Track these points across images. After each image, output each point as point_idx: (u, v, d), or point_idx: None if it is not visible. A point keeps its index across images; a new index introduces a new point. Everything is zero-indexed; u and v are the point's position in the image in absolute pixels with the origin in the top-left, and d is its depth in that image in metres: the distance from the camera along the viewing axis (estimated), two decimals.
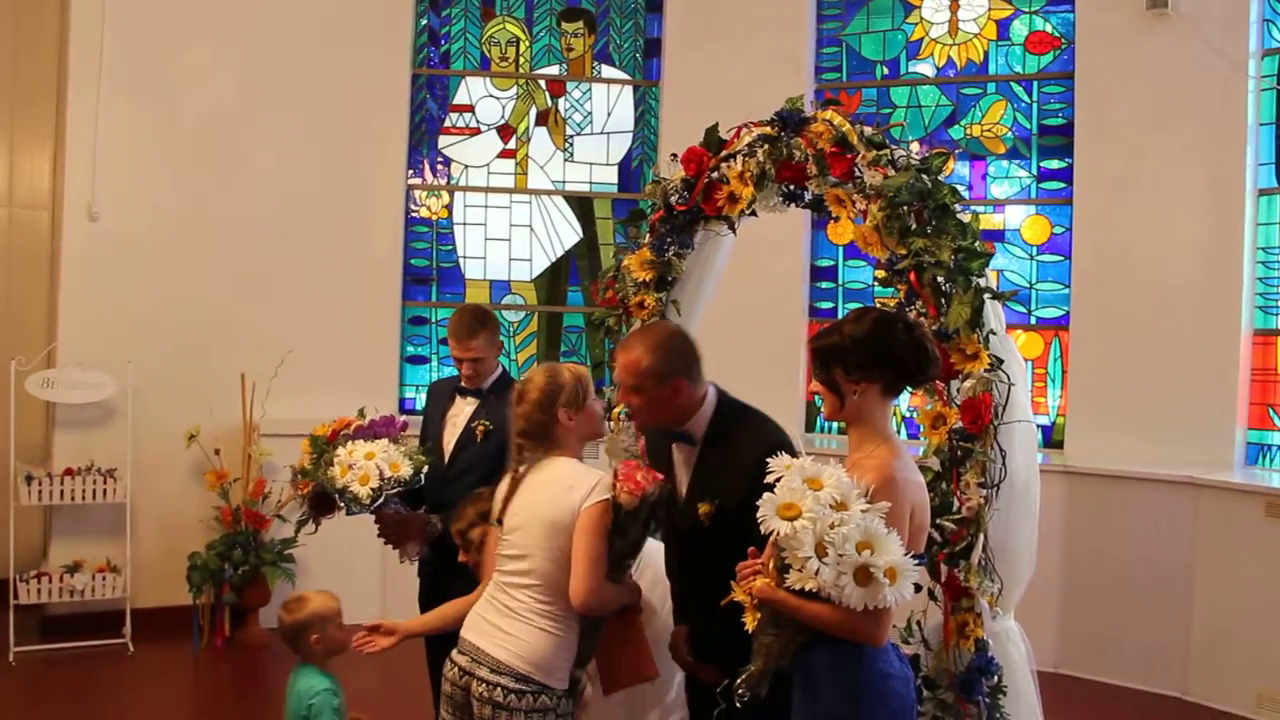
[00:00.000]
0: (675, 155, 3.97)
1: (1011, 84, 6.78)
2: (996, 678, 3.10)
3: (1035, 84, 6.72)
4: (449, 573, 3.69)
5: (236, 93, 6.64)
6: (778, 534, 2.48)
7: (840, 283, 7.16)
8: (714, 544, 2.94)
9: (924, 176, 3.29)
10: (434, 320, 7.25)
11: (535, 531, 3.04)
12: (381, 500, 3.70)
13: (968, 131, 6.85)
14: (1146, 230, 6.23)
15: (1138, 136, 6.25)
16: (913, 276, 3.18)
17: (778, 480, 2.56)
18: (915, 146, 6.64)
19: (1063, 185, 6.60)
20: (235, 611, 6.30)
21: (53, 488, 6.04)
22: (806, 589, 2.47)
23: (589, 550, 2.99)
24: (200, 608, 6.25)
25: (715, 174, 3.84)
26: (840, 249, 7.14)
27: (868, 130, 3.44)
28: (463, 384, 4.02)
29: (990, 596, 3.15)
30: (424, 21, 7.17)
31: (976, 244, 3.21)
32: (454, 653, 3.13)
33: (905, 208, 3.24)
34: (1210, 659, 5.69)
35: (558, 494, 3.04)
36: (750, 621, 2.65)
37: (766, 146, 3.60)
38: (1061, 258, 6.59)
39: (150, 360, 6.36)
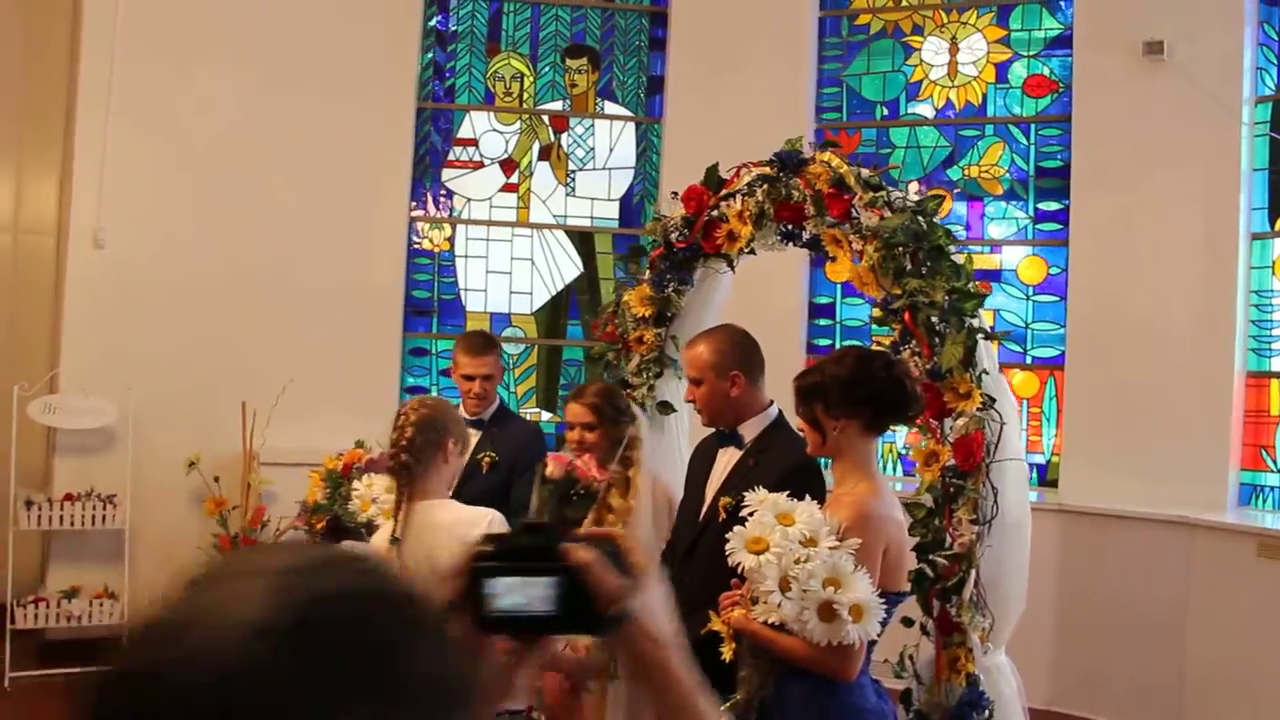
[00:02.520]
0: (676, 193, 4.05)
1: (1010, 126, 6.87)
2: (988, 712, 3.14)
3: (1033, 126, 6.81)
4: None
5: (243, 122, 6.72)
6: (744, 566, 2.56)
7: (838, 320, 7.22)
8: (718, 539, 3.01)
9: (919, 218, 3.36)
10: (434, 352, 7.30)
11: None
12: None
13: (966, 172, 6.94)
14: (1142, 272, 6.29)
15: (1134, 180, 6.33)
16: (907, 316, 3.25)
17: (751, 514, 2.63)
18: (914, 186, 6.76)
19: (1059, 227, 6.68)
20: None
21: (53, 513, 6.06)
22: (771, 622, 2.54)
23: None
24: None
25: (715, 212, 3.91)
26: (838, 287, 7.19)
27: (865, 172, 3.52)
28: (468, 409, 4.08)
29: (982, 632, 3.19)
30: (430, 56, 7.28)
31: (970, 285, 3.27)
32: None
33: (900, 249, 3.30)
34: (1203, 697, 5.71)
35: (469, 529, 2.78)
36: (728, 652, 2.72)
37: (766, 186, 3.68)
38: (1057, 298, 6.66)
39: (151, 387, 6.39)
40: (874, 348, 3.49)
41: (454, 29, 7.33)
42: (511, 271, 7.39)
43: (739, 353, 3.38)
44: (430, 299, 7.32)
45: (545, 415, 7.28)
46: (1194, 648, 5.74)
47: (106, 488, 6.23)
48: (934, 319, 3.22)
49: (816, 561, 2.45)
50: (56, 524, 6.08)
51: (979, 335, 3.22)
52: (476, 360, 4.03)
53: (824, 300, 7.24)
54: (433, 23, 7.27)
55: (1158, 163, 6.27)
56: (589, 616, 1.06)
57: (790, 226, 3.68)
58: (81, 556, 6.28)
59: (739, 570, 2.60)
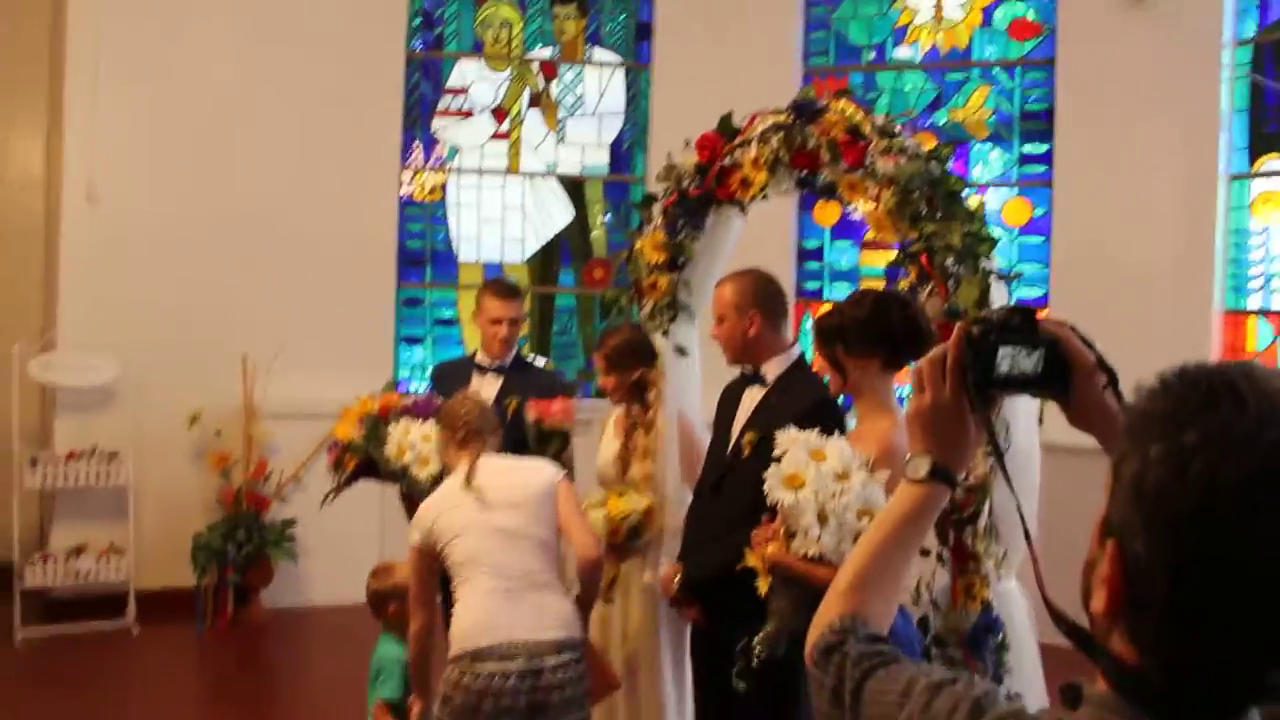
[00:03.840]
0: (689, 141, 4.11)
1: (994, 70, 6.97)
2: (1001, 635, 3.29)
3: (1018, 70, 6.91)
4: None
5: (233, 75, 6.68)
6: (782, 503, 2.68)
7: (826, 263, 7.33)
8: (743, 475, 3.21)
9: (933, 165, 3.45)
10: (427, 302, 7.35)
11: (532, 508, 3.22)
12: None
13: (951, 116, 7.04)
14: (1124, 213, 6.43)
15: (1116, 122, 6.45)
16: (924, 259, 3.35)
17: (784, 453, 2.75)
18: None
19: (1043, 169, 6.81)
20: (239, 592, 6.39)
21: (57, 471, 6.10)
22: (810, 554, 2.66)
23: (580, 514, 3.34)
24: (203, 589, 6.33)
25: (728, 160, 3.98)
26: (827, 231, 7.31)
27: (879, 120, 3.60)
28: (493, 353, 4.15)
29: (995, 559, 3.34)
30: (418, 4, 7.25)
31: (983, 229, 3.38)
32: (493, 664, 3.05)
33: (916, 194, 3.40)
34: None
35: (531, 472, 3.35)
36: (763, 586, 2.84)
37: (781, 134, 3.75)
38: (1041, 239, 6.80)
39: (149, 342, 6.41)
40: (888, 289, 3.59)
41: None
42: (504, 220, 7.43)
43: (759, 295, 3.51)
44: (423, 249, 7.35)
45: (539, 361, 7.35)
46: None
47: (107, 445, 6.26)
48: (949, 261, 3.33)
49: (851, 494, 2.57)
50: (61, 482, 6.12)
51: (993, 276, 3.34)
52: (506, 303, 4.14)
53: (812, 245, 7.35)
54: None
55: (1140, 105, 6.39)
56: (1064, 378, 1.36)
57: (805, 173, 3.77)
58: (85, 514, 6.33)
59: (776, 507, 2.71)
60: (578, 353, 7.44)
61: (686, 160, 4.11)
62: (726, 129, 4.00)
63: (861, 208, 3.58)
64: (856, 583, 1.38)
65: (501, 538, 3.19)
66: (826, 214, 7.25)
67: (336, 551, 6.62)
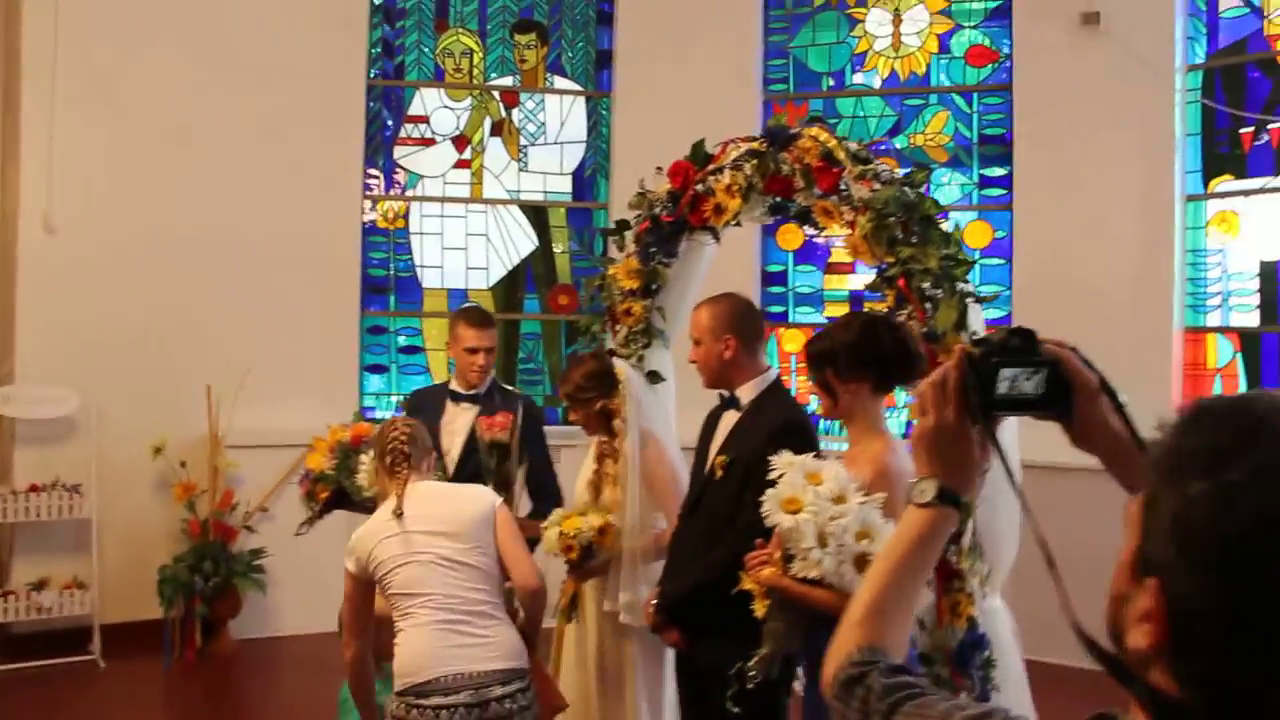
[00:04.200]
0: (661, 168, 4.15)
1: (953, 95, 7.08)
2: (988, 652, 3.33)
3: (975, 95, 7.03)
4: None
5: (192, 103, 6.63)
6: (781, 527, 2.70)
7: (790, 287, 7.39)
8: (715, 496, 3.32)
9: (908, 190, 3.50)
10: (392, 330, 7.32)
11: (470, 535, 3.18)
12: None
13: (911, 140, 7.14)
14: (1083, 234, 6.54)
15: (1073, 145, 6.57)
16: (902, 283, 3.39)
17: (780, 476, 2.77)
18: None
19: (1003, 191, 6.92)
20: (206, 624, 6.29)
21: (17, 504, 5.98)
22: (810, 577, 2.68)
23: (520, 541, 3.27)
24: (171, 621, 6.22)
25: (701, 186, 4.02)
26: (790, 255, 7.37)
27: (852, 146, 3.65)
28: (470, 382, 4.15)
29: (980, 577, 3.37)
30: (378, 32, 7.25)
31: (959, 252, 3.43)
32: (438, 698, 3.02)
33: (892, 219, 3.45)
34: None
35: (468, 500, 3.29)
36: (760, 609, 2.86)
37: (755, 160, 3.79)
38: (1003, 260, 6.90)
39: (110, 373, 6.32)
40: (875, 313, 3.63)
41: (401, 5, 7.31)
42: (467, 247, 7.42)
43: (735, 319, 3.56)
44: (386, 276, 7.32)
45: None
46: None
47: (69, 477, 6.16)
48: (927, 285, 3.38)
49: (849, 517, 2.60)
50: (21, 516, 6.01)
51: (969, 299, 3.39)
52: (483, 333, 4.14)
53: (776, 268, 7.41)
54: None
55: (1096, 129, 6.51)
56: (1066, 399, 1.36)
57: (779, 199, 3.81)
58: (47, 547, 6.21)
59: (772, 530, 2.73)
60: (544, 379, 7.43)
61: (659, 187, 4.14)
62: (698, 156, 4.04)
63: (836, 233, 3.62)
64: (871, 612, 1.37)
65: (441, 567, 3.13)
66: (790, 238, 7.31)
67: (305, 581, 6.54)
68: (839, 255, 7.28)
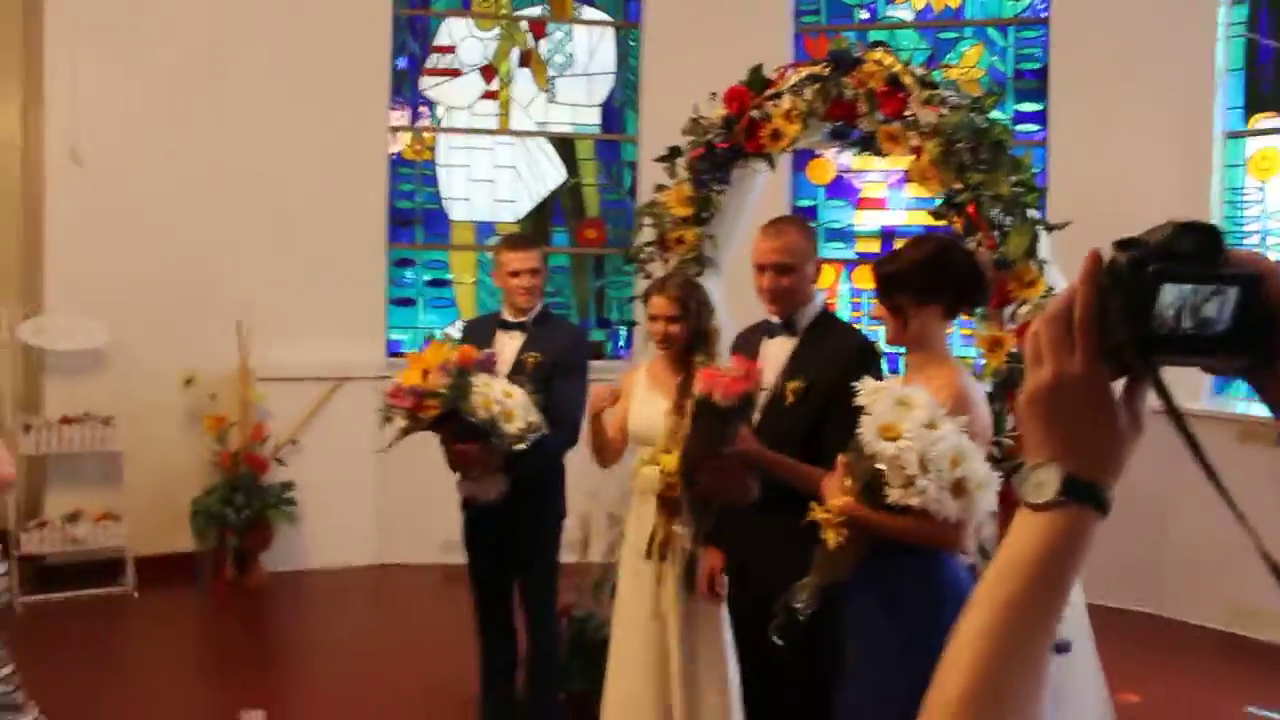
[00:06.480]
0: (715, 94, 4.07)
1: (988, 28, 6.97)
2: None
3: (1011, 28, 6.91)
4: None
5: (218, 36, 6.51)
6: (884, 454, 2.64)
7: (820, 223, 7.31)
8: (789, 421, 3.20)
9: (975, 116, 3.45)
10: (420, 262, 7.26)
11: None
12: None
13: (945, 74, 7.02)
14: (1119, 172, 6.46)
15: (1111, 81, 6.47)
16: (971, 209, 3.34)
17: (869, 403, 2.72)
18: None
19: (1038, 128, 6.83)
20: (238, 555, 6.30)
21: (50, 436, 5.97)
22: (908, 504, 2.64)
23: None
24: (203, 553, 6.23)
25: (757, 112, 3.95)
26: (821, 189, 7.30)
27: (918, 70, 3.58)
28: (518, 304, 4.04)
29: None
30: None
31: (1030, 179, 3.38)
32: None
33: (961, 144, 3.39)
34: (1183, 577, 6.04)
35: None
36: (832, 539, 2.81)
37: (817, 85, 3.72)
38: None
39: (138, 306, 6.27)
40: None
41: None
42: (494, 180, 7.34)
43: (814, 243, 3.50)
44: (414, 209, 7.25)
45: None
46: (1175, 531, 6.04)
47: (98, 409, 6.13)
48: (997, 211, 3.33)
49: (946, 442, 2.55)
50: (54, 447, 5.99)
51: (1040, 226, 3.35)
52: (521, 254, 3.98)
53: (806, 203, 7.33)
54: None
55: (1135, 64, 6.41)
56: (1263, 338, 0.86)
57: (840, 124, 3.75)
58: (79, 479, 6.20)
59: (850, 459, 2.69)
60: (572, 312, 7.38)
61: (714, 113, 4.08)
62: (755, 81, 3.97)
63: (901, 159, 3.57)
64: (973, 695, 0.86)
65: None
66: (820, 173, 7.23)
67: (332, 515, 6.57)
68: (870, 190, 7.21)
